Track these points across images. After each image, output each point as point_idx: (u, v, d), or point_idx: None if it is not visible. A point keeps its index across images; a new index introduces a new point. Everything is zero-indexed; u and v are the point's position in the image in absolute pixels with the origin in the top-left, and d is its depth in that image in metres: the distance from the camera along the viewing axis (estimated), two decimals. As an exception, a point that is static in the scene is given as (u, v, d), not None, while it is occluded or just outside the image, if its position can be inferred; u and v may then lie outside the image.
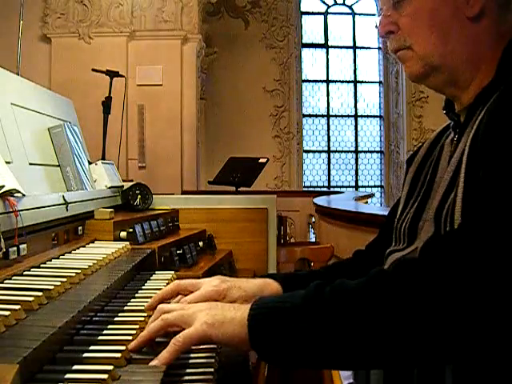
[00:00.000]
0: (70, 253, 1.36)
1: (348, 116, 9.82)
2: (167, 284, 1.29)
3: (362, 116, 9.85)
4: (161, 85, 6.60)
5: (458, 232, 0.80)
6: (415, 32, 0.95)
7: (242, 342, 0.76)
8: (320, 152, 9.75)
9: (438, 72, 0.96)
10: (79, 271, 1.12)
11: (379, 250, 1.14)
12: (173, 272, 1.44)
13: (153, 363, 0.76)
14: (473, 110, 0.92)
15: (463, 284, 0.71)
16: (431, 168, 1.02)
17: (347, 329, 0.73)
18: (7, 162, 1.39)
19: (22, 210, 1.23)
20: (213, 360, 0.83)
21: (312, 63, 9.77)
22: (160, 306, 0.88)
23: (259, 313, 0.77)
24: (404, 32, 0.96)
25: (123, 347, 0.79)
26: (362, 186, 9.82)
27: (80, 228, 1.64)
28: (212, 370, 0.77)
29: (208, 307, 0.81)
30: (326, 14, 9.81)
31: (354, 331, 0.73)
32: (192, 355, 0.84)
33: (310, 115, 9.70)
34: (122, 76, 4.64)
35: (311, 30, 9.74)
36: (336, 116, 9.80)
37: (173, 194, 3.76)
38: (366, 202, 6.37)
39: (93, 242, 1.57)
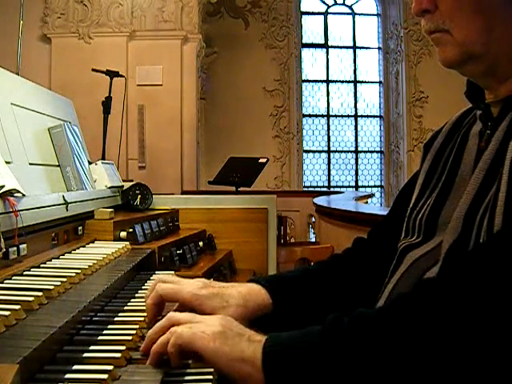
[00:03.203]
0: (70, 253, 1.36)
1: (348, 116, 9.82)
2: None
3: (362, 116, 9.84)
4: (161, 85, 6.60)
5: (494, 245, 0.72)
6: (457, 15, 0.84)
7: (253, 382, 0.70)
8: (320, 152, 9.74)
9: (476, 61, 0.86)
10: (79, 271, 1.12)
11: (385, 238, 1.08)
12: (173, 272, 1.44)
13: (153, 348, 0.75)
14: (510, 103, 0.85)
15: (501, 308, 0.65)
16: (452, 157, 0.94)
17: (372, 363, 0.66)
18: (7, 162, 1.39)
19: (21, 210, 1.23)
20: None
21: (312, 63, 9.77)
22: (170, 315, 0.80)
23: (275, 356, 0.70)
24: (443, 13, 0.86)
25: (123, 347, 0.79)
26: (362, 186, 9.82)
27: (80, 228, 1.64)
28: (212, 370, 0.77)
29: (223, 322, 0.75)
30: (326, 14, 9.80)
31: (380, 365, 0.66)
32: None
33: (310, 115, 9.70)
34: (122, 76, 4.64)
35: (311, 30, 9.74)
36: (336, 116, 9.80)
37: (173, 194, 3.77)
38: (366, 202, 6.37)
39: (93, 242, 1.57)
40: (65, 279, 1.03)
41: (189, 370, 0.77)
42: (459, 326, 0.66)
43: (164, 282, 0.94)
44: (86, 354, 0.76)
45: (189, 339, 0.73)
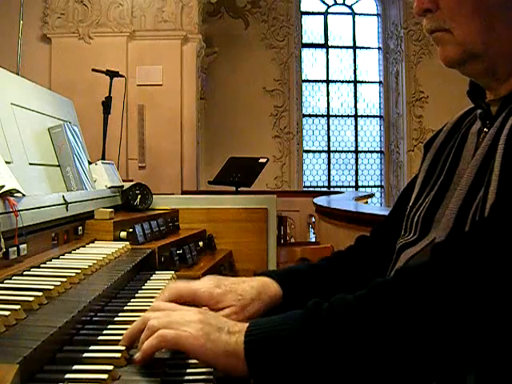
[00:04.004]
0: (70, 253, 1.36)
1: (348, 116, 9.83)
2: (167, 284, 1.29)
3: (362, 116, 9.85)
4: (161, 85, 6.60)
5: (476, 234, 0.73)
6: (457, 15, 0.85)
7: (240, 372, 0.71)
8: (320, 152, 9.75)
9: (477, 60, 0.87)
10: (79, 271, 1.12)
11: (386, 236, 1.09)
12: (173, 272, 1.44)
13: (137, 356, 0.75)
14: (508, 102, 0.85)
15: (478, 293, 0.67)
16: (451, 156, 0.95)
17: (352, 349, 0.67)
18: (7, 162, 1.39)
19: (21, 210, 1.22)
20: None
21: (312, 63, 9.77)
22: (144, 315, 0.81)
23: (255, 346, 0.71)
24: (444, 13, 0.86)
25: (123, 347, 0.79)
26: (362, 186, 9.82)
27: (80, 228, 1.63)
28: (212, 369, 0.77)
29: (200, 318, 0.75)
30: (326, 14, 9.81)
31: (360, 351, 0.67)
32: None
33: (310, 115, 9.70)
34: (122, 76, 4.64)
35: (311, 30, 9.75)
36: (336, 116, 9.80)
37: (173, 194, 3.77)
38: (366, 202, 6.37)
39: (93, 242, 1.57)
40: (65, 279, 1.03)
41: (189, 370, 0.77)
42: (438, 313, 0.67)
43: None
44: (85, 354, 0.76)
45: (174, 340, 0.73)
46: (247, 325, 0.74)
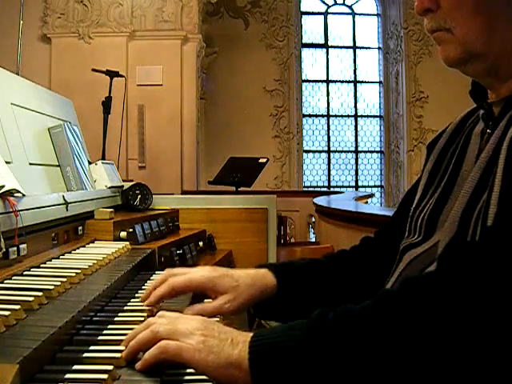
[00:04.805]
0: (69, 253, 1.36)
1: (348, 116, 9.82)
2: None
3: (362, 116, 9.85)
4: (161, 85, 6.60)
5: (481, 244, 0.74)
6: (458, 14, 0.85)
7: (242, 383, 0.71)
8: (320, 152, 9.75)
9: (478, 60, 0.86)
10: (79, 271, 1.12)
11: (390, 238, 1.09)
12: (173, 272, 1.44)
13: (137, 365, 0.74)
14: (510, 103, 0.85)
15: (484, 306, 0.66)
16: (455, 158, 0.94)
17: (358, 361, 0.67)
18: (7, 162, 1.39)
19: (21, 210, 1.23)
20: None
21: (312, 63, 9.77)
22: (149, 320, 0.81)
23: (260, 357, 0.70)
24: (444, 12, 0.86)
25: (123, 347, 0.79)
26: (362, 186, 9.82)
27: (80, 228, 1.64)
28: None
29: (203, 328, 0.75)
30: (326, 14, 9.81)
31: (366, 363, 0.67)
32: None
33: (310, 115, 9.70)
34: (122, 76, 4.64)
35: (311, 30, 9.75)
36: (336, 116, 9.80)
37: (173, 194, 3.77)
38: (366, 202, 6.36)
39: (93, 242, 1.57)
40: (65, 279, 1.03)
41: (189, 370, 0.77)
42: (443, 324, 0.67)
43: (174, 274, 0.98)
44: (85, 354, 0.76)
45: (175, 352, 0.73)
46: (251, 335, 0.74)
